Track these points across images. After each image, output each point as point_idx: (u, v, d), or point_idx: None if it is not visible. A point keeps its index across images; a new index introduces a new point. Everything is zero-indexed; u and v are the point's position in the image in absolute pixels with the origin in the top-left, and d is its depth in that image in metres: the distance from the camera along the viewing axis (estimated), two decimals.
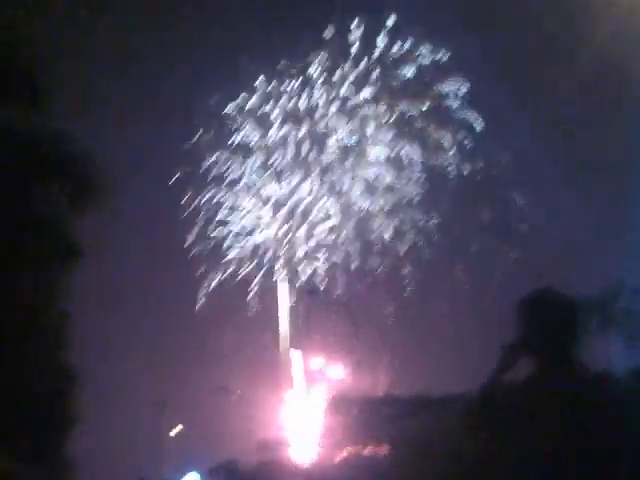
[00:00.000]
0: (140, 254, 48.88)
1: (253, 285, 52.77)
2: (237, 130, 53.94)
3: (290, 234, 53.48)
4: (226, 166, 53.81)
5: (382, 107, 54.06)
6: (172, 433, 46.91)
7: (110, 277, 45.59)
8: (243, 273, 52.96)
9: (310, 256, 53.39)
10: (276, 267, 53.20)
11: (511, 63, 47.00)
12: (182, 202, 51.71)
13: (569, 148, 46.65)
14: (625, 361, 31.93)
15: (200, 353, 47.28)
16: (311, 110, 54.23)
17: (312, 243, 53.65)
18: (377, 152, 54.14)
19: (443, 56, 53.08)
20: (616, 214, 44.20)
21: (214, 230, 53.38)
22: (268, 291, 52.94)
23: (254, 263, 53.35)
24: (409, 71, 53.73)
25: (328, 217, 53.76)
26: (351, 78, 54.01)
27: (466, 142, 53.24)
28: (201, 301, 51.88)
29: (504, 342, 4.84)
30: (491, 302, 42.35)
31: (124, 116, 47.58)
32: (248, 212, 53.78)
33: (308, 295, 51.21)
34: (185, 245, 52.29)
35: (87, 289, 33.09)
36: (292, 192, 53.80)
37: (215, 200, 53.38)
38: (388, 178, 54.02)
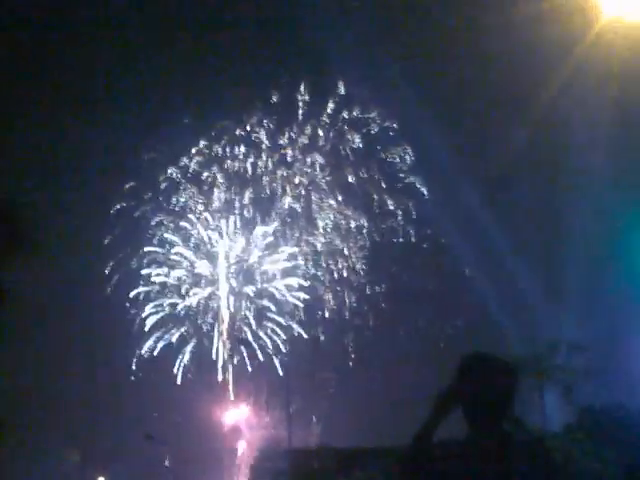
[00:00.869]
0: (74, 313, 47.26)
1: (190, 344, 51.34)
2: (179, 192, 52.76)
3: (233, 295, 52.06)
4: (169, 227, 52.47)
5: (329, 172, 53.50)
6: None
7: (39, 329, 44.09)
8: (181, 332, 51.45)
9: (254, 317, 52.06)
10: (217, 325, 51.65)
11: (458, 130, 46.99)
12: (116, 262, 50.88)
13: (513, 214, 46.65)
14: (560, 414, 31.76)
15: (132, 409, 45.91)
16: (257, 174, 53.31)
17: (256, 304, 52.31)
18: (324, 217, 53.36)
19: (391, 123, 52.99)
20: (556, 277, 44.15)
21: (152, 289, 51.92)
22: (205, 349, 51.56)
23: (194, 321, 51.81)
24: (356, 137, 53.44)
25: (273, 278, 52.41)
26: (298, 143, 53.43)
27: (413, 209, 52.90)
28: (137, 361, 50.65)
29: (435, 393, 4.41)
30: (430, 362, 41.31)
31: (55, 173, 47.22)
32: (190, 270, 52.18)
33: (242, 345, 49.74)
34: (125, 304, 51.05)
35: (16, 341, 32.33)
36: (236, 255, 52.47)
37: (155, 259, 51.91)
38: (335, 244, 53.17)
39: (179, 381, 50.02)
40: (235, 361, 51.03)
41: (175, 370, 50.38)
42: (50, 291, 44.44)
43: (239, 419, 48.96)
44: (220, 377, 50.61)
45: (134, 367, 50.18)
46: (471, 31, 42.28)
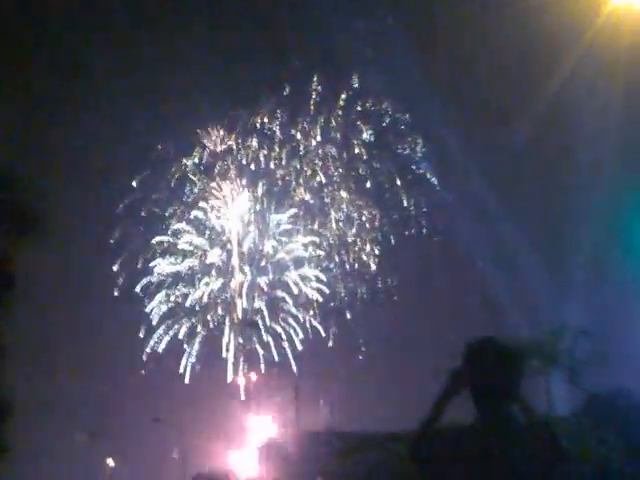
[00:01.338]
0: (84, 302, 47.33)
1: (200, 334, 51.36)
2: (192, 183, 52.54)
3: (246, 285, 51.90)
4: (181, 217, 52.26)
5: (342, 164, 53.14)
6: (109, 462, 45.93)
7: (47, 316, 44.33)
8: (192, 322, 51.39)
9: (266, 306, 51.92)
10: (229, 315, 51.52)
11: (466, 119, 46.83)
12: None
13: (519, 201, 46.57)
14: (566, 399, 31.83)
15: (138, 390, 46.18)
16: (269, 165, 53.02)
17: (269, 294, 52.16)
18: (336, 209, 53.02)
19: (403, 114, 52.62)
20: (563, 261, 44.09)
21: (164, 280, 51.81)
22: (216, 339, 51.53)
23: (205, 312, 51.70)
24: (369, 129, 52.99)
25: (286, 268, 52.25)
26: (311, 135, 52.94)
27: (424, 201, 52.56)
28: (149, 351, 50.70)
29: (445, 375, 4.51)
30: (438, 346, 41.35)
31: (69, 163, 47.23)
32: (202, 260, 51.99)
33: (249, 327, 49.76)
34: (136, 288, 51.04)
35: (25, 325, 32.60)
36: (249, 246, 52.31)
37: (167, 249, 51.79)
38: (347, 237, 52.91)
39: (188, 370, 50.32)
40: (245, 348, 51.24)
41: (184, 360, 50.57)
42: (61, 278, 44.71)
43: (249, 402, 49.23)
44: (230, 365, 50.83)
45: (144, 357, 50.41)
46: (478, 19, 42.15)
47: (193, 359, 50.60)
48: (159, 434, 42.78)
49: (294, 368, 49.41)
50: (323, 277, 51.77)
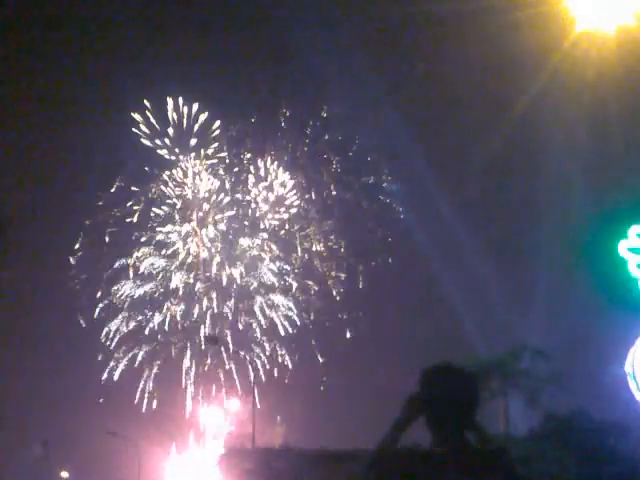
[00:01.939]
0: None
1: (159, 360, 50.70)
2: (159, 206, 51.95)
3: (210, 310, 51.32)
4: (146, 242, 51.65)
5: (309, 193, 52.95)
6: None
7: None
8: (153, 347, 50.79)
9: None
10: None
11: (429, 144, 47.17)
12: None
13: (481, 220, 46.99)
14: (524, 419, 31.97)
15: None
16: (237, 199, 52.69)
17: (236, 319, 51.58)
18: (302, 238, 52.92)
19: (369, 144, 52.61)
20: (523, 282, 44.51)
21: (124, 303, 51.14)
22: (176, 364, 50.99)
23: (167, 337, 51.03)
24: (337, 158, 52.98)
25: (252, 296, 51.74)
26: (280, 165, 52.74)
27: (390, 231, 52.58)
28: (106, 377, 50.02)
29: (407, 396, 4.39)
30: (397, 367, 41.52)
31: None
32: (166, 285, 51.37)
33: (208, 342, 49.34)
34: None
35: None
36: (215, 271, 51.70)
37: (130, 273, 51.12)
38: (314, 265, 52.71)
39: (146, 395, 49.85)
40: (206, 368, 50.84)
41: (142, 384, 50.19)
42: (21, 294, 44.23)
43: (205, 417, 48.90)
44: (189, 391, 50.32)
45: (103, 378, 49.98)
46: (447, 42, 42.53)
47: (151, 384, 50.22)
48: (115, 448, 42.33)
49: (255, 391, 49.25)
50: (290, 304, 51.65)
